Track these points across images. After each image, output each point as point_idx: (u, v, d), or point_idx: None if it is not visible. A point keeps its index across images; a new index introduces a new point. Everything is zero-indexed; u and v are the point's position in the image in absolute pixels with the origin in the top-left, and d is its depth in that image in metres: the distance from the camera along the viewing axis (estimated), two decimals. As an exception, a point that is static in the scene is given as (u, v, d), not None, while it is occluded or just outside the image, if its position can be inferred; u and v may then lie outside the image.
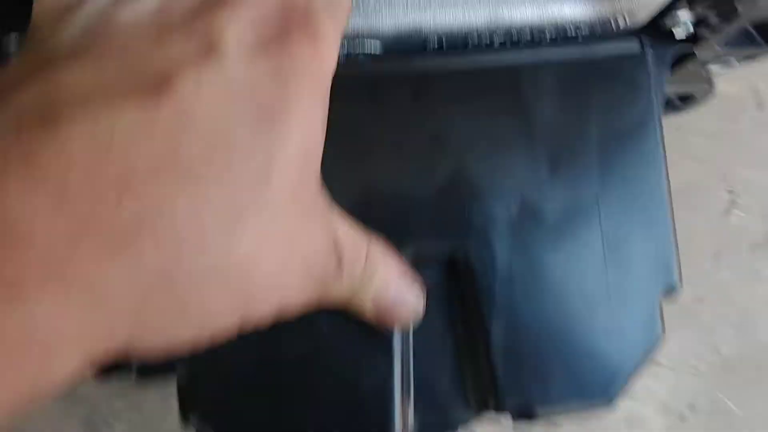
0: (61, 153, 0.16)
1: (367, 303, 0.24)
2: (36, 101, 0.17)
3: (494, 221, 0.26)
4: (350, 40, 0.28)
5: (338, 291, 0.22)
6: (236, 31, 0.18)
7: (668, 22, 0.28)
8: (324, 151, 0.21)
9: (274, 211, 0.18)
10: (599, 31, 0.29)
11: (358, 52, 0.28)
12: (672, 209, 0.27)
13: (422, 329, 0.26)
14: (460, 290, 0.26)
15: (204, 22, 0.18)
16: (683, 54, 0.30)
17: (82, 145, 0.16)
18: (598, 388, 0.24)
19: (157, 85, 0.17)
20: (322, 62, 0.19)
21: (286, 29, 0.19)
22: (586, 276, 0.26)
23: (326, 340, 0.25)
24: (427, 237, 0.26)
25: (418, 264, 0.26)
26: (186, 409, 0.25)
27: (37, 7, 0.20)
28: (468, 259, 0.26)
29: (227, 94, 0.18)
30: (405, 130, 0.26)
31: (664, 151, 0.28)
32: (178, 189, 0.17)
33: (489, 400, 0.25)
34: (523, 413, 0.25)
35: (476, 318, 0.26)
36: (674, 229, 0.27)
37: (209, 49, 0.18)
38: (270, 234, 0.18)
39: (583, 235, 0.26)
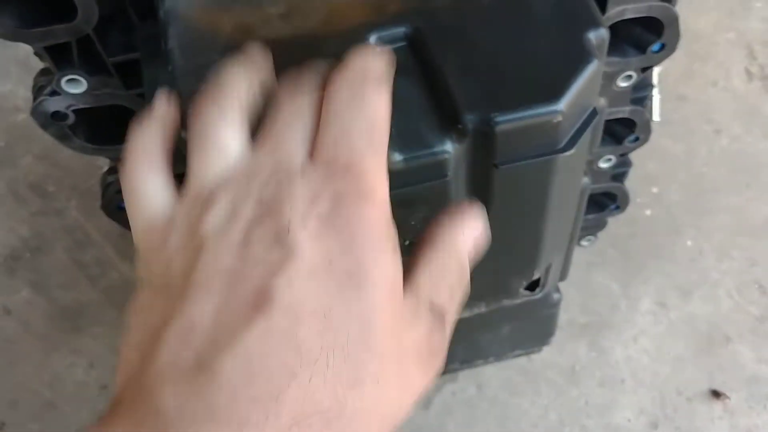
0: (220, 388, 0.20)
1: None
2: (181, 353, 0.20)
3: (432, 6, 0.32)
4: None
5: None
6: (300, 225, 0.21)
7: None
8: None
9: (384, 359, 0.21)
10: None
11: None
12: None
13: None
14: (420, 57, 0.31)
15: (271, 227, 0.22)
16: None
17: (233, 376, 0.20)
18: (543, 94, 0.30)
19: (256, 301, 0.20)
20: (374, 205, 0.22)
21: (337, 195, 0.22)
22: (522, 15, 0.32)
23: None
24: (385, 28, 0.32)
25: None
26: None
27: (137, 238, 0.24)
28: (418, 31, 0.31)
29: (315, 279, 0.21)
30: None
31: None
32: (316, 382, 0.20)
33: (455, 116, 0.30)
34: (484, 126, 0.30)
35: (432, 60, 0.31)
36: None
37: (285, 251, 0.21)
38: (387, 377, 0.21)
39: None
